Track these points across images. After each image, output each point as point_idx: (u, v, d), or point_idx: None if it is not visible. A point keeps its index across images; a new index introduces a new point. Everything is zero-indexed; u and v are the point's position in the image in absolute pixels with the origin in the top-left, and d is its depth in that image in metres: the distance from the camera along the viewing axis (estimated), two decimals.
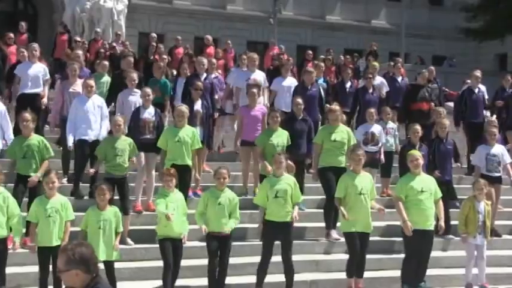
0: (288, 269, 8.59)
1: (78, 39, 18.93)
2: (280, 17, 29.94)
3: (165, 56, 16.23)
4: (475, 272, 9.47)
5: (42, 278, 7.74)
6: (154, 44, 18.15)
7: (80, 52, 13.19)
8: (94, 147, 10.08)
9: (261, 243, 9.00)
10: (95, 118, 10.17)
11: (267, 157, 9.86)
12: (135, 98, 10.76)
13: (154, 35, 19.64)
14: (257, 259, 8.91)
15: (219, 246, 8.31)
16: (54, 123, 11.26)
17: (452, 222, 10.46)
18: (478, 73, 13.81)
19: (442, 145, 10.77)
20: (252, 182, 10.88)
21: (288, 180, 8.67)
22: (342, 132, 10.17)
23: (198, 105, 10.91)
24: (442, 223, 9.19)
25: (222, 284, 8.42)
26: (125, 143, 9.49)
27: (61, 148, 10.98)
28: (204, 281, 8.55)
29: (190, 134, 9.72)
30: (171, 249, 8.15)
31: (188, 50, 18.54)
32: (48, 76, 11.94)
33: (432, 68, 16.36)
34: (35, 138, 9.01)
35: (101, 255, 7.62)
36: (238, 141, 11.15)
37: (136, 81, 11.03)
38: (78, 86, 10.82)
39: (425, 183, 8.92)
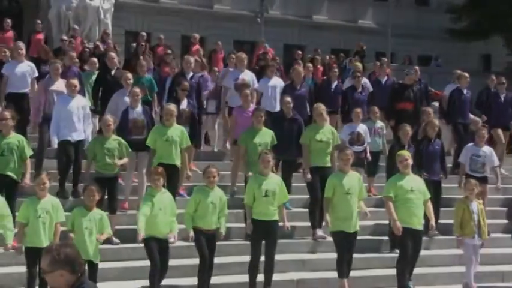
0: (269, 267, 8.62)
1: (65, 37, 18.78)
2: (267, 17, 29.94)
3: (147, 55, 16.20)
4: (463, 271, 9.52)
5: (29, 278, 7.71)
6: (144, 43, 18.07)
7: (74, 54, 13.16)
8: (77, 147, 10.05)
9: (246, 242, 9.03)
10: (77, 119, 10.12)
11: (250, 156, 9.85)
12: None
13: (144, 33, 19.57)
14: (243, 258, 8.93)
15: (207, 244, 8.30)
16: (35, 121, 11.18)
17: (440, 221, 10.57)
18: (467, 74, 13.94)
19: (431, 145, 10.82)
20: (240, 181, 10.87)
21: (275, 180, 8.70)
22: (327, 132, 10.21)
23: (184, 105, 10.89)
24: (433, 223, 9.26)
25: (207, 283, 8.41)
26: (114, 142, 9.47)
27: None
28: (190, 281, 8.54)
29: (179, 133, 9.71)
30: (158, 249, 8.13)
31: (168, 49, 18.43)
32: (36, 73, 11.82)
33: (416, 67, 16.41)
34: (14, 137, 8.94)
35: (86, 255, 7.58)
36: (228, 141, 11.14)
37: (132, 81, 11.01)
38: (60, 84, 10.75)
39: (415, 183, 8.97)
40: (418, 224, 8.90)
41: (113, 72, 11.82)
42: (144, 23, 30.36)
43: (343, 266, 8.75)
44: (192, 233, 8.22)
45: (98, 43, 18.70)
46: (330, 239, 9.25)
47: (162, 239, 8.17)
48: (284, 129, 10.45)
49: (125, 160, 9.58)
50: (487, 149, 11.37)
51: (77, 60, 14.05)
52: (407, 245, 8.82)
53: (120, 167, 9.67)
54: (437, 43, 33.93)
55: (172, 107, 9.86)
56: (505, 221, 11.89)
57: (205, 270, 8.30)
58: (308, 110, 12.07)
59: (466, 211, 9.34)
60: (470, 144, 11.41)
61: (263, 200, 8.50)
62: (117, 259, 8.94)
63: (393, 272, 9.01)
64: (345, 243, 8.71)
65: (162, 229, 8.15)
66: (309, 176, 10.08)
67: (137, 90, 10.34)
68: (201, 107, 12.05)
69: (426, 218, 9.20)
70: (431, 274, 9.91)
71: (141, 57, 14.62)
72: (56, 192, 9.71)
